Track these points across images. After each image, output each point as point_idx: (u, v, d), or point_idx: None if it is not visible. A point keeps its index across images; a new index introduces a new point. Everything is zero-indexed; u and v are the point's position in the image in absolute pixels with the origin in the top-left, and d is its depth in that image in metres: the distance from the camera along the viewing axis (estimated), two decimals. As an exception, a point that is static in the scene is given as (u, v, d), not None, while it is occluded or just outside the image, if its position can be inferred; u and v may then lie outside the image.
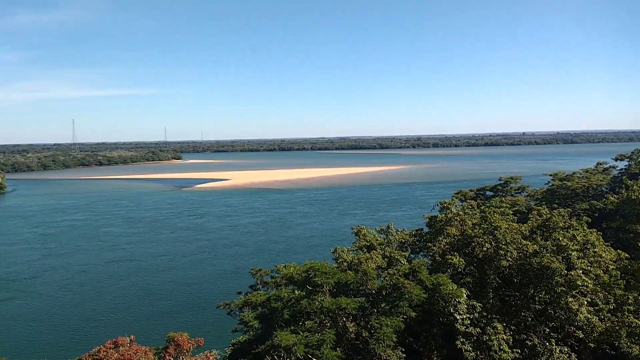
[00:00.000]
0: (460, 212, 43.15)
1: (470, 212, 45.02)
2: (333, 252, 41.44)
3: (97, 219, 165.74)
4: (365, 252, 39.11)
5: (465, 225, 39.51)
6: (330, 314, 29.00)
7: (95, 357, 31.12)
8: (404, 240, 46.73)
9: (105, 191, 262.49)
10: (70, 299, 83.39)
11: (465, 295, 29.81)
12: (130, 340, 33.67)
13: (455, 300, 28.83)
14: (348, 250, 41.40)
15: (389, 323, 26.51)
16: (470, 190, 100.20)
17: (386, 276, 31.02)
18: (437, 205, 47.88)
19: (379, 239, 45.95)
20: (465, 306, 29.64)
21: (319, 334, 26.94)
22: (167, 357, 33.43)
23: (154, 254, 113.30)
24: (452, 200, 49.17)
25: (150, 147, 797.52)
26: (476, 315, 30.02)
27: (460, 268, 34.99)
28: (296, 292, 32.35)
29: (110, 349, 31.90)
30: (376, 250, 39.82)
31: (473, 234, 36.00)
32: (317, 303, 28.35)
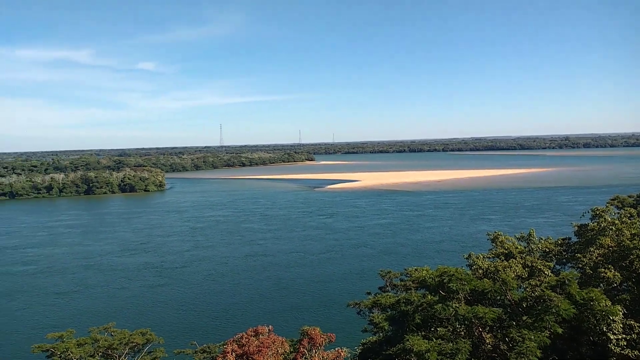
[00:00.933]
0: (617, 221, 39.70)
1: (629, 221, 40.69)
2: (467, 258, 39.26)
3: (238, 215, 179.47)
4: (503, 260, 36.24)
5: (623, 235, 36.23)
6: (465, 322, 27.23)
7: (238, 342, 33.26)
8: (547, 250, 42.47)
9: (246, 190, 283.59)
10: (213, 288, 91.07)
11: (621, 313, 26.28)
12: (269, 329, 35.37)
13: (609, 318, 25.41)
14: (483, 257, 38.74)
15: (532, 337, 24.01)
16: (629, 197, 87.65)
17: (527, 287, 28.27)
18: (588, 212, 43.87)
19: (518, 246, 42.37)
20: (621, 325, 26.28)
21: (453, 343, 25.40)
22: (301, 349, 34.50)
23: (286, 250, 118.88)
24: (607, 207, 44.51)
25: (286, 149, 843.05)
26: (634, 336, 26.80)
27: (616, 283, 32.05)
28: (428, 296, 31.21)
29: (251, 336, 33.85)
30: (515, 258, 36.67)
31: (632, 246, 32.13)
32: (451, 309, 26.79)
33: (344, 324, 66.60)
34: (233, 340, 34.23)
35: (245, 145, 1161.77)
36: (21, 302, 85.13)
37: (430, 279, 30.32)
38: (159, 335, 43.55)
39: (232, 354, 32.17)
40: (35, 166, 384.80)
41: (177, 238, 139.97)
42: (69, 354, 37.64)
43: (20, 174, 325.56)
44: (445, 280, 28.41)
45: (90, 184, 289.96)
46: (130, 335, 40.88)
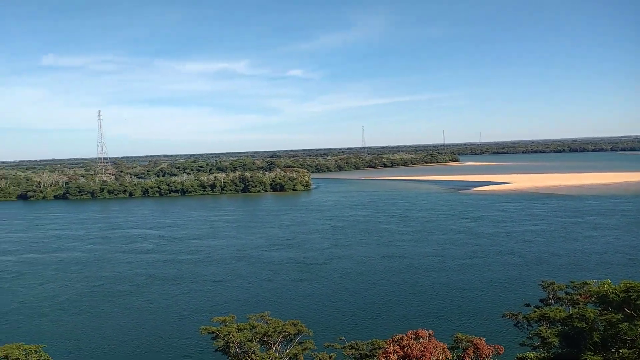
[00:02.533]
0: None
1: None
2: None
3: (377, 216, 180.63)
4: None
5: None
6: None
7: (398, 343, 33.51)
8: None
9: (386, 190, 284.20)
10: (351, 286, 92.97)
11: None
12: (429, 334, 35.02)
13: None
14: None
15: None
16: None
17: None
18: None
19: None
20: None
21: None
22: (466, 358, 33.53)
23: (425, 254, 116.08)
24: None
25: (428, 150, 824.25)
26: None
27: None
28: (610, 314, 28.02)
29: (411, 338, 33.84)
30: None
31: None
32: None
33: (491, 335, 62.75)
34: (393, 341, 34.57)
35: (386, 146, 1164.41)
36: (184, 287, 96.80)
37: (614, 295, 27.16)
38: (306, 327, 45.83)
39: (394, 354, 32.44)
40: (201, 167, 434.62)
41: (319, 235, 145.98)
42: (231, 337, 41.22)
43: (190, 174, 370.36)
44: (633, 297, 25.13)
45: (247, 183, 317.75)
46: (284, 324, 43.26)
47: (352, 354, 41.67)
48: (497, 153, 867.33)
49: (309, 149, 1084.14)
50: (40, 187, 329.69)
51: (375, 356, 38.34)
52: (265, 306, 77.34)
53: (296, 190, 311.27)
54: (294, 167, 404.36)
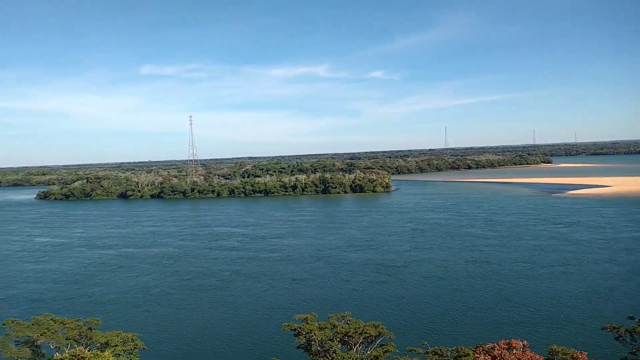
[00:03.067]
0: None
1: None
2: None
3: (460, 219, 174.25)
4: None
5: None
6: None
7: (489, 353, 32.32)
8: None
9: (470, 193, 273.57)
10: (431, 291, 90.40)
11: None
12: (524, 345, 33.49)
13: None
14: None
15: None
16: None
17: None
18: None
19: None
20: None
21: None
22: None
23: (511, 260, 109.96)
24: None
25: (517, 151, 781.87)
26: None
27: None
28: None
29: (504, 349, 32.51)
30: None
31: None
32: None
33: (588, 349, 58.10)
34: (483, 350, 33.34)
35: (471, 147, 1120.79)
36: (265, 284, 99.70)
37: None
38: (390, 330, 45.28)
39: None
40: (283, 168, 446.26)
41: (398, 238, 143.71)
42: (312, 335, 41.96)
43: (272, 175, 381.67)
44: None
45: (327, 185, 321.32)
46: (365, 325, 43.12)
47: (435, 359, 40.35)
48: (595, 154, 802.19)
49: (389, 151, 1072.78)
50: (138, 187, 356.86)
51: None
52: (343, 306, 77.57)
53: (376, 191, 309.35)
54: (374, 168, 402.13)
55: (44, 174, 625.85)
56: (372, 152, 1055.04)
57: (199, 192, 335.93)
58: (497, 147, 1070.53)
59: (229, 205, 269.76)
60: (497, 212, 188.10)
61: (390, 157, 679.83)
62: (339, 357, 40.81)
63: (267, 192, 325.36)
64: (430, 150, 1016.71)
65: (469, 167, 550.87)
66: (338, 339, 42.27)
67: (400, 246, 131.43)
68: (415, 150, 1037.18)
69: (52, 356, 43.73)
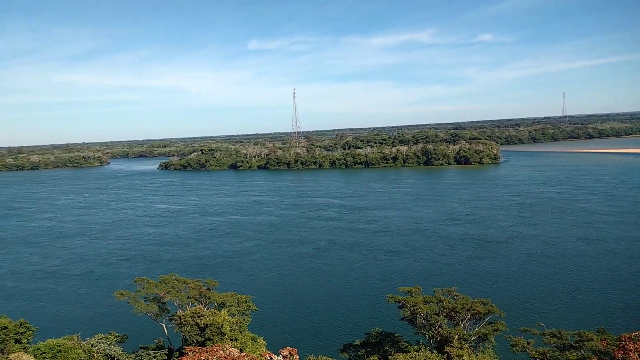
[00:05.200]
0: None
1: None
2: None
3: (575, 194, 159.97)
4: None
5: None
6: None
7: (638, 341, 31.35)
8: None
9: (589, 165, 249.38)
10: (535, 269, 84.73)
11: None
12: None
13: None
14: None
15: None
16: None
17: None
18: None
19: None
20: None
21: None
22: None
23: (632, 238, 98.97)
24: None
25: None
26: None
27: None
28: None
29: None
30: None
31: None
32: None
33: None
34: (629, 338, 31.62)
35: (593, 115, 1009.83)
36: (360, 254, 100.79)
37: None
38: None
39: (634, 352, 30.01)
40: (384, 139, 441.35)
41: (503, 212, 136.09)
42: (417, 308, 41.23)
43: (373, 146, 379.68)
44: None
45: (429, 156, 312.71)
46: (472, 302, 41.36)
47: (553, 342, 37.42)
48: None
49: (498, 120, 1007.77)
50: (247, 158, 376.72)
51: (582, 348, 34.72)
52: (439, 280, 76.17)
53: (483, 163, 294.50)
54: (481, 139, 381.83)
55: (164, 146, 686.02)
56: (478, 122, 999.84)
57: (301, 163, 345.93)
58: (623, 114, 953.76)
59: (329, 177, 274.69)
60: (619, 186, 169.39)
61: (499, 127, 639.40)
62: (445, 331, 39.98)
63: (367, 164, 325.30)
64: (545, 118, 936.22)
65: (590, 137, 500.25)
66: (444, 314, 41.33)
67: (504, 221, 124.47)
68: (528, 119, 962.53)
69: (176, 312, 47.80)
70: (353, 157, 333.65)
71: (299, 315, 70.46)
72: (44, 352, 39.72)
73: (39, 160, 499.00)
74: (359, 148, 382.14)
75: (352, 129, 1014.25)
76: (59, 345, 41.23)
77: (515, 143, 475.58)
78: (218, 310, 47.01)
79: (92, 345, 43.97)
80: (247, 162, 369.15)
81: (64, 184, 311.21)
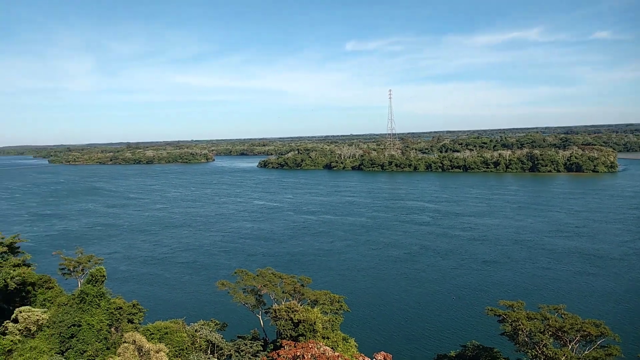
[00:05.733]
0: None
1: None
2: None
3: None
4: None
5: None
6: None
7: None
8: None
9: None
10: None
11: None
12: None
13: None
14: None
15: None
16: None
17: None
18: None
19: None
20: None
21: None
22: None
23: None
24: None
25: None
26: None
27: None
28: None
29: None
30: None
31: None
32: None
33: None
34: None
35: None
36: (453, 262, 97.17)
37: None
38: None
39: None
40: (485, 143, 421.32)
41: (618, 226, 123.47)
42: (520, 324, 38.91)
43: (472, 150, 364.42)
44: None
45: (535, 162, 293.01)
46: (583, 322, 37.99)
47: None
48: None
49: (615, 124, 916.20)
50: (341, 159, 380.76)
51: None
52: (540, 296, 71.26)
53: (597, 171, 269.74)
54: (595, 145, 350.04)
55: (264, 145, 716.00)
56: (593, 126, 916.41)
57: (396, 165, 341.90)
58: None
59: (424, 180, 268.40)
60: None
61: (616, 132, 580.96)
62: (550, 352, 37.11)
63: (465, 168, 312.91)
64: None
65: None
66: (550, 333, 38.44)
67: (620, 236, 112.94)
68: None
69: (272, 305, 49.75)
70: (450, 161, 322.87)
71: (390, 319, 69.61)
72: (153, 333, 43.16)
73: (153, 156, 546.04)
74: (457, 151, 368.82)
75: (449, 132, 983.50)
76: (166, 328, 44.58)
77: (636, 150, 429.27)
78: (311, 307, 47.88)
79: (196, 331, 46.91)
80: (342, 163, 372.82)
81: (174, 178, 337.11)
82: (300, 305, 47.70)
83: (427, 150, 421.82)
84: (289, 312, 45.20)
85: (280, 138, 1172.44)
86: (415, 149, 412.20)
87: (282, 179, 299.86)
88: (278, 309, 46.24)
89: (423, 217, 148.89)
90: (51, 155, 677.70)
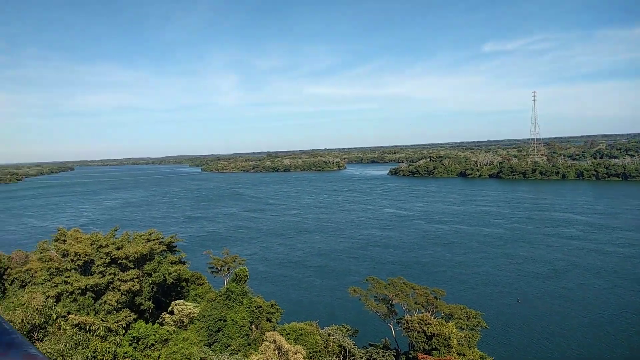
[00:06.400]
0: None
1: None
2: None
3: None
4: None
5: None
6: None
7: None
8: None
9: None
10: None
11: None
12: None
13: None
14: None
15: None
16: None
17: None
18: None
19: None
20: None
21: None
22: None
23: None
24: None
25: None
26: None
27: None
28: None
29: None
30: None
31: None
32: None
33: None
34: None
35: None
36: (608, 282, 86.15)
37: None
38: None
39: None
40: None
41: None
42: None
43: (633, 156, 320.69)
44: None
45: None
46: None
47: None
48: None
49: None
50: (477, 166, 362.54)
51: None
52: None
53: None
54: None
55: (394, 153, 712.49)
56: None
57: (540, 173, 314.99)
58: None
59: (574, 189, 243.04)
60: None
61: None
62: None
63: (625, 176, 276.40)
64: None
65: None
66: None
67: None
68: None
69: (404, 316, 49.40)
70: (606, 168, 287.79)
71: (533, 341, 64.16)
72: (289, 333, 45.51)
73: (290, 164, 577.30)
74: (615, 157, 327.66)
75: (605, 135, 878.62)
76: (301, 329, 46.69)
77: None
78: (445, 321, 46.32)
79: (329, 334, 48.32)
80: (477, 170, 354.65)
81: (308, 185, 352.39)
82: (434, 318, 46.40)
83: (577, 157, 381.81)
84: (422, 324, 44.29)
85: (412, 145, 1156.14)
86: (564, 155, 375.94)
87: (412, 187, 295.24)
88: (410, 320, 45.55)
89: (571, 230, 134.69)
90: (203, 164, 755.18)
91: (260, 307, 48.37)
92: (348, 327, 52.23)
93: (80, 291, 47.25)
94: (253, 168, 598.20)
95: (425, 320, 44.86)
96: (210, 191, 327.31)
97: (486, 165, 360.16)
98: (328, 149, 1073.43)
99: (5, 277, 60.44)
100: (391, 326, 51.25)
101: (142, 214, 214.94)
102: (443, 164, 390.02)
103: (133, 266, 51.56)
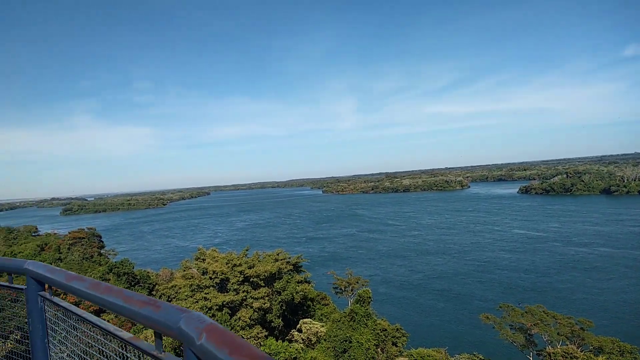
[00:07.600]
0: None
1: None
2: None
3: None
4: None
5: None
6: None
7: None
8: None
9: None
10: None
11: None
12: None
13: None
14: None
15: None
16: None
17: None
18: None
19: None
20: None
21: None
22: None
23: None
24: None
25: None
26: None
27: None
28: None
29: None
30: None
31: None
32: None
33: None
34: None
35: None
36: None
37: None
38: None
39: None
40: None
41: None
42: None
43: None
44: None
45: None
46: None
47: None
48: None
49: None
50: (624, 181, 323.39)
51: None
52: None
53: None
54: None
55: (524, 169, 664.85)
56: None
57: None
58: None
59: None
60: None
61: None
62: None
63: None
64: None
65: None
66: None
67: None
68: None
69: (545, 348, 45.87)
70: None
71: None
72: (416, 359, 44.70)
73: (409, 184, 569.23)
74: None
75: None
76: (429, 356, 45.53)
77: None
78: (594, 355, 42.01)
79: (459, 363, 46.55)
80: (625, 187, 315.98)
81: (429, 205, 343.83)
82: (581, 351, 42.36)
83: None
84: (567, 357, 40.74)
85: (545, 161, 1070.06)
86: None
87: (546, 206, 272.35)
88: (554, 353, 42.11)
89: None
90: (324, 186, 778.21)
91: (385, 330, 48.26)
92: (481, 357, 49.57)
93: (217, 307, 51.59)
94: (372, 189, 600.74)
95: (572, 353, 41.11)
96: (331, 212, 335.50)
97: (634, 180, 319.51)
98: (449, 168, 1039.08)
99: (154, 292, 68.25)
100: (531, 358, 47.67)
101: (268, 234, 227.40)
102: (582, 180, 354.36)
103: (263, 284, 55.02)
